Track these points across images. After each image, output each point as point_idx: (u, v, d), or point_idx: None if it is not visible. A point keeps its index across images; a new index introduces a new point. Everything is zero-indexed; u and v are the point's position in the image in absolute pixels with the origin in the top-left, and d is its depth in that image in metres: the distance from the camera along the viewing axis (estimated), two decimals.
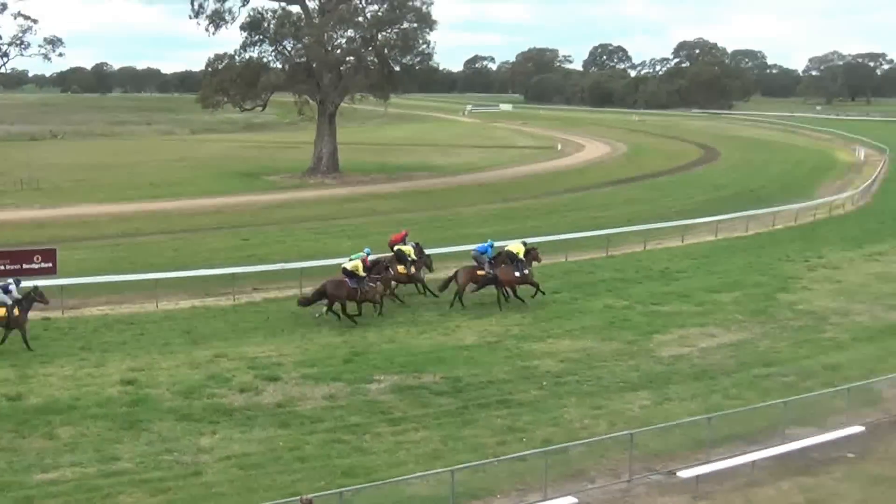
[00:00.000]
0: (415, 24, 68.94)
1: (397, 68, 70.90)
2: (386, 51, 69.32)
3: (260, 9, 70.20)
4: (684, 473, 17.73)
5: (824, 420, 20.61)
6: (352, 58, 70.92)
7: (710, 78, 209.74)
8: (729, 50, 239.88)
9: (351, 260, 29.38)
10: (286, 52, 70.51)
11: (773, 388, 22.94)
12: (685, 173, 77.90)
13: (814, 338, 27.67)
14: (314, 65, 69.32)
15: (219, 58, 70.45)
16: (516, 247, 31.51)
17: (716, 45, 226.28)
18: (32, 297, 26.21)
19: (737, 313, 30.24)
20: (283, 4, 70.17)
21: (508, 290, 31.07)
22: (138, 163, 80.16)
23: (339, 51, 70.16)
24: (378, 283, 29.42)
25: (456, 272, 31.02)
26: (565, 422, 20.66)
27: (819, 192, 63.39)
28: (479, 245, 32.58)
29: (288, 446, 18.98)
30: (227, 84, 69.48)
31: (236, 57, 70.11)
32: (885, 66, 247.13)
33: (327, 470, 17.88)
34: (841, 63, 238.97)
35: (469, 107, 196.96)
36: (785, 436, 19.41)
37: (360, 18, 69.64)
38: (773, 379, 23.79)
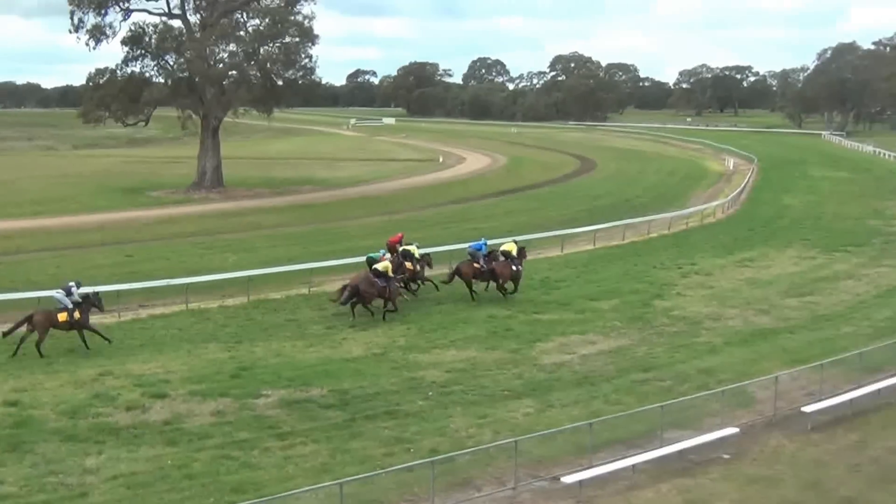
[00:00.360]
0: (297, 39, 68.43)
1: (280, 82, 70.20)
2: (268, 65, 68.59)
3: (141, 23, 68.58)
4: (568, 479, 17.95)
5: (700, 422, 21.17)
6: (234, 72, 69.94)
7: (586, 91, 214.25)
8: (603, 63, 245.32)
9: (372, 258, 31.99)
10: (168, 66, 69.07)
11: (652, 393, 23.50)
12: (563, 184, 79.28)
13: (689, 342, 28.46)
14: (197, 79, 68.09)
15: (100, 72, 68.54)
16: (510, 245, 34.59)
17: (590, 58, 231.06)
18: (91, 301, 27.13)
19: (615, 320, 30.90)
20: (164, 19, 68.81)
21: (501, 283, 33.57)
22: (19, 179, 77.49)
23: (221, 65, 69.11)
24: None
25: (457, 267, 33.89)
26: (451, 431, 20.73)
27: (691, 201, 65.33)
28: (474, 242, 35.05)
29: (176, 464, 18.56)
30: (108, 99, 67.70)
31: (118, 71, 68.34)
32: (751, 78, 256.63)
33: (216, 487, 17.55)
34: (710, 76, 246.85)
35: (352, 120, 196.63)
36: (663, 439, 19.87)
37: (242, 33, 68.81)
38: (651, 384, 24.37)
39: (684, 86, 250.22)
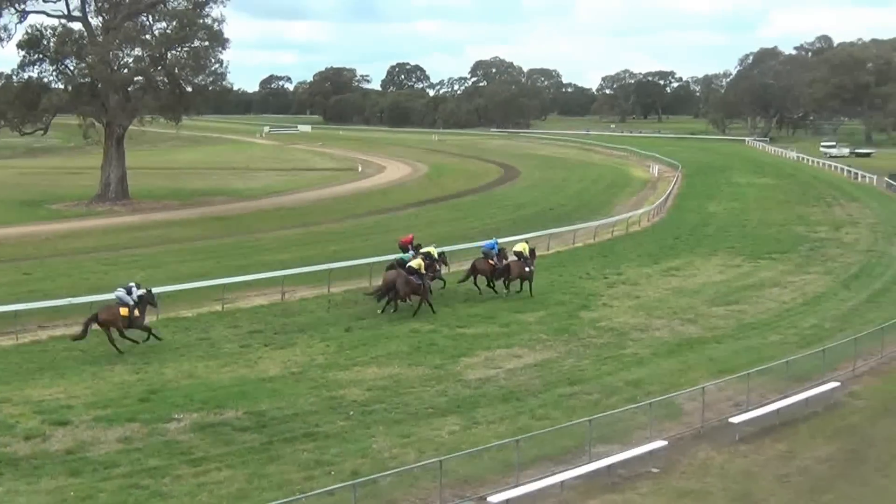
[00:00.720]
0: (206, 43, 67.63)
1: (189, 88, 69.33)
2: (176, 70, 67.64)
3: (38, 25, 67.06)
4: (494, 498, 17.95)
5: (629, 436, 21.41)
6: (140, 77, 68.91)
7: (508, 97, 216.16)
8: (525, 69, 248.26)
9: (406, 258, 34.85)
10: (69, 71, 67.71)
11: (579, 407, 23.69)
12: (486, 193, 79.75)
13: (616, 354, 28.78)
14: (99, 85, 66.89)
15: None
16: (522, 245, 37.94)
17: (512, 64, 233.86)
18: (147, 300, 29.29)
19: (541, 333, 31.10)
20: (63, 21, 67.41)
21: (500, 281, 36.94)
22: None
23: (126, 70, 67.99)
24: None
25: (473, 264, 37.13)
26: (374, 452, 20.60)
27: (616, 209, 66.21)
28: (487, 242, 38.37)
29: (80, 496, 18.08)
30: (3, 106, 66.10)
31: (14, 77, 66.85)
32: (674, 84, 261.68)
33: None
34: (633, 81, 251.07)
35: (266, 128, 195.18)
36: (592, 454, 20.03)
37: (148, 36, 67.78)
38: (579, 397, 24.56)
39: (607, 92, 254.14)
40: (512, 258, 37.69)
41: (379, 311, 33.45)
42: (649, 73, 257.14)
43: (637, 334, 31.21)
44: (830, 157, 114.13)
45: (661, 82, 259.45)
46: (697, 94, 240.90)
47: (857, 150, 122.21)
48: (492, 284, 37.20)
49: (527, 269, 37.05)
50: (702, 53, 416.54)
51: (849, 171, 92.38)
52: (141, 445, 20.76)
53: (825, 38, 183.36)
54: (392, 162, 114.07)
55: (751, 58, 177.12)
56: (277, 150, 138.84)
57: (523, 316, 33.42)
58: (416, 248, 37.26)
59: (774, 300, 36.67)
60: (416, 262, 33.68)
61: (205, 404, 23.39)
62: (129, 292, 28.71)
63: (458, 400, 24.23)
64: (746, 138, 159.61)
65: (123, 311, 28.35)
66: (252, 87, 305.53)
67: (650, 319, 33.25)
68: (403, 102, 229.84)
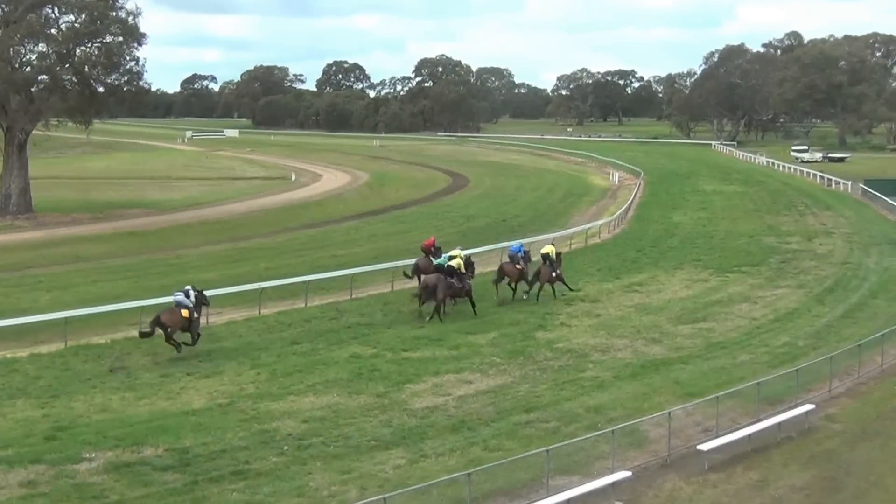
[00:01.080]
0: (120, 38, 66.81)
1: (101, 89, 68.34)
2: (86, 68, 66.64)
3: None
4: None
5: (590, 467, 21.51)
6: (45, 77, 67.76)
7: (456, 98, 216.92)
8: (474, 68, 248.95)
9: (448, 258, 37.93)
10: None
11: (536, 436, 23.75)
12: (433, 203, 79.94)
13: (575, 378, 28.92)
14: None
15: None
16: (549, 248, 41.36)
17: (460, 62, 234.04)
18: (200, 301, 32.15)
19: (494, 356, 31.16)
20: None
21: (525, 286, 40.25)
22: None
23: (28, 68, 66.88)
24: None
25: (501, 267, 40.56)
26: (311, 490, 20.46)
27: (574, 220, 66.68)
28: (513, 245, 42.47)
29: None
30: None
31: None
32: (635, 84, 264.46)
33: None
34: (590, 81, 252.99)
35: (189, 133, 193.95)
36: (550, 487, 20.07)
37: (54, 31, 66.82)
38: (535, 426, 24.63)
39: (563, 92, 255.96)
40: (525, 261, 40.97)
41: (427, 319, 36.16)
42: (608, 73, 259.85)
43: (598, 356, 31.39)
44: (802, 161, 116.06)
45: (621, 82, 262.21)
46: (660, 94, 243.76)
47: (830, 155, 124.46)
48: (514, 290, 40.46)
49: (553, 273, 40.67)
50: (664, 51, 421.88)
51: (822, 178, 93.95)
52: (47, 490, 20.36)
53: (795, 35, 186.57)
54: (329, 170, 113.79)
55: (716, 56, 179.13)
56: (201, 157, 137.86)
57: (474, 338, 33.46)
58: (438, 251, 40.85)
59: (744, 317, 37.12)
60: (456, 262, 37.40)
61: (120, 441, 23.05)
62: (188, 295, 31.54)
63: (403, 431, 24.17)
64: (713, 142, 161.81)
65: (184, 313, 31.21)
66: (172, 87, 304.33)
67: (611, 339, 33.47)
68: (341, 104, 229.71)
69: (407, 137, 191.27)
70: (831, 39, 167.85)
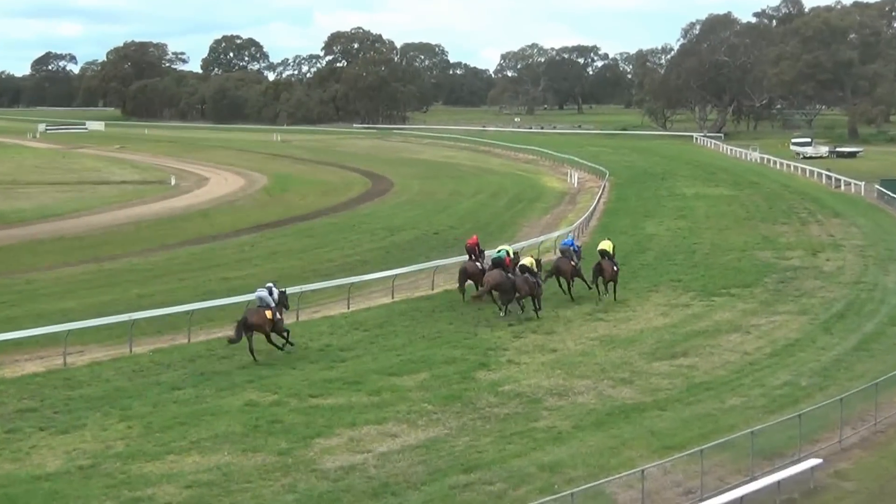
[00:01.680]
0: None
1: None
2: None
3: None
4: None
5: None
6: None
7: (376, 82, 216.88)
8: (398, 44, 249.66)
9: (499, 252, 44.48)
10: None
11: (477, 502, 23.75)
12: (348, 212, 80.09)
13: (526, 429, 28.94)
14: None
15: None
16: (607, 244, 47.02)
17: (380, 37, 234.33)
18: (283, 302, 36.86)
19: (424, 402, 31.12)
20: None
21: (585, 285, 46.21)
22: None
23: None
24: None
25: (556, 264, 46.31)
26: None
27: (523, 232, 67.08)
28: (565, 239, 49.98)
29: None
30: None
31: None
32: (598, 63, 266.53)
33: None
34: (542, 60, 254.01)
35: (42, 126, 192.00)
36: None
37: None
38: (476, 489, 24.63)
39: (510, 74, 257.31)
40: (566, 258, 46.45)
41: (501, 314, 42.55)
42: (564, 49, 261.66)
43: (553, 401, 31.47)
44: (804, 157, 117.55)
45: (581, 61, 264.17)
46: (629, 76, 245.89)
47: (838, 149, 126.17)
48: (569, 286, 46.10)
49: (614, 268, 45.94)
50: (633, 22, 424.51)
51: (828, 177, 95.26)
52: None
53: (794, 2, 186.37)
54: (218, 171, 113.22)
55: (697, 28, 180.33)
56: (57, 156, 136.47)
57: (400, 380, 33.40)
58: (482, 252, 47.47)
59: (734, 350, 37.46)
60: (528, 260, 43.61)
61: None
62: (270, 292, 35.83)
63: (312, 498, 24.07)
64: (694, 134, 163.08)
65: (268, 313, 35.46)
66: (21, 69, 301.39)
67: (571, 380, 33.58)
68: (232, 90, 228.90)
69: (315, 130, 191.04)
70: (838, 7, 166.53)
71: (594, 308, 44.30)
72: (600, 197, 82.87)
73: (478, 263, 46.73)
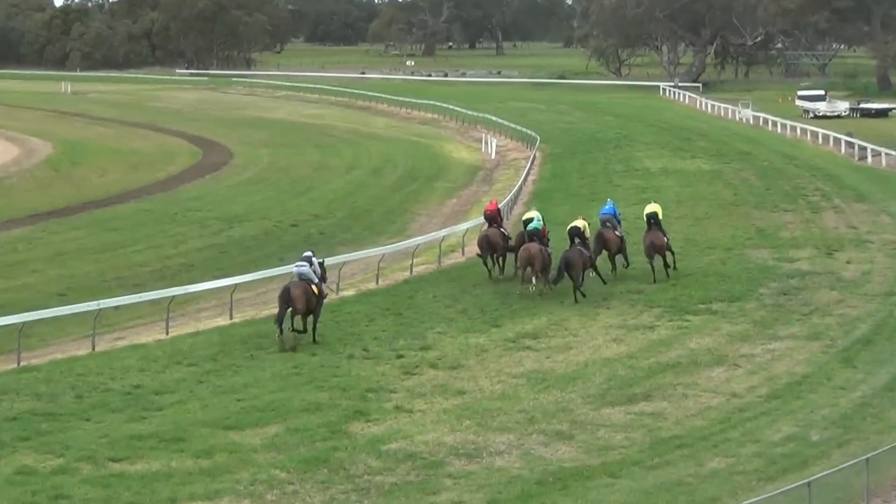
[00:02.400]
0: None
1: None
2: None
3: None
4: None
5: None
6: None
7: (209, 8, 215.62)
8: None
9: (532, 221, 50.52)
10: None
11: None
12: (168, 195, 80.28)
13: (423, 502, 28.95)
14: None
15: None
16: (655, 207, 53.44)
17: None
18: (323, 274, 42.96)
19: (276, 467, 30.94)
20: None
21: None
22: None
23: None
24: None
25: (600, 234, 51.83)
26: None
27: (418, 224, 67.42)
28: (605, 207, 54.54)
29: None
30: None
31: None
32: None
33: None
34: None
35: None
36: None
37: None
38: None
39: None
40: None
41: (533, 290, 49.27)
42: None
43: (461, 464, 31.47)
44: (816, 117, 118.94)
45: None
46: (569, 2, 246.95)
47: (863, 105, 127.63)
48: (615, 265, 52.68)
49: (665, 239, 52.30)
50: None
51: (850, 145, 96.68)
52: None
53: None
54: None
55: None
56: None
57: (240, 435, 33.14)
58: (502, 220, 55.38)
59: (718, 391, 37.62)
60: (582, 223, 50.44)
61: None
62: (310, 263, 41.71)
63: None
64: (662, 84, 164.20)
65: (314, 287, 41.32)
66: None
67: (485, 435, 33.56)
68: (2, 20, 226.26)
69: (122, 78, 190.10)
70: None
71: (520, 332, 44.28)
72: (528, 173, 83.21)
73: (503, 230, 53.78)
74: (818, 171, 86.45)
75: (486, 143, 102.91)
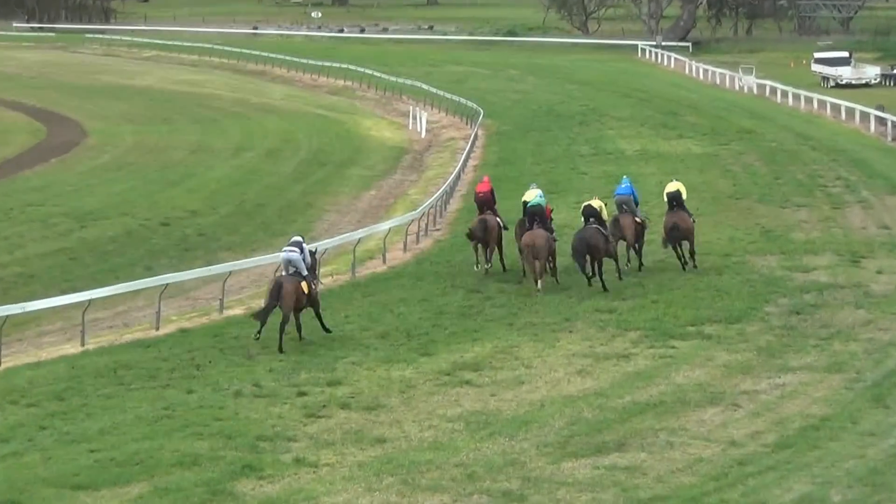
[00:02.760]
0: None
1: None
2: None
3: None
4: None
5: None
6: None
7: None
8: None
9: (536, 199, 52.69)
10: None
11: None
12: (0, 184, 79.58)
13: None
14: None
15: None
16: (677, 185, 57.23)
17: None
18: (314, 267, 45.67)
19: None
20: None
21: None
22: None
23: None
24: None
25: (616, 221, 54.83)
26: None
27: (327, 222, 67.47)
28: (621, 186, 57.30)
29: None
30: None
31: None
32: None
33: None
34: None
35: None
36: None
37: None
38: None
39: None
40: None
41: (539, 289, 51.75)
42: None
43: None
44: (838, 85, 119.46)
45: None
46: None
47: None
48: (637, 251, 56.38)
49: (692, 221, 56.17)
50: None
51: (881, 121, 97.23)
52: None
53: None
54: None
55: None
56: None
57: (93, 497, 33.00)
58: (496, 203, 56.55)
59: (712, 439, 37.61)
60: (598, 203, 53.22)
61: None
62: (301, 250, 44.56)
63: None
64: (640, 44, 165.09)
65: (304, 285, 44.13)
66: None
67: (412, 496, 33.41)
68: None
69: None
70: None
71: (457, 361, 44.22)
72: (468, 157, 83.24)
73: (499, 219, 55.58)
74: (840, 154, 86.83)
75: (415, 118, 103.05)
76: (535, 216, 50.48)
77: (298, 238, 45.79)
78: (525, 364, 44.30)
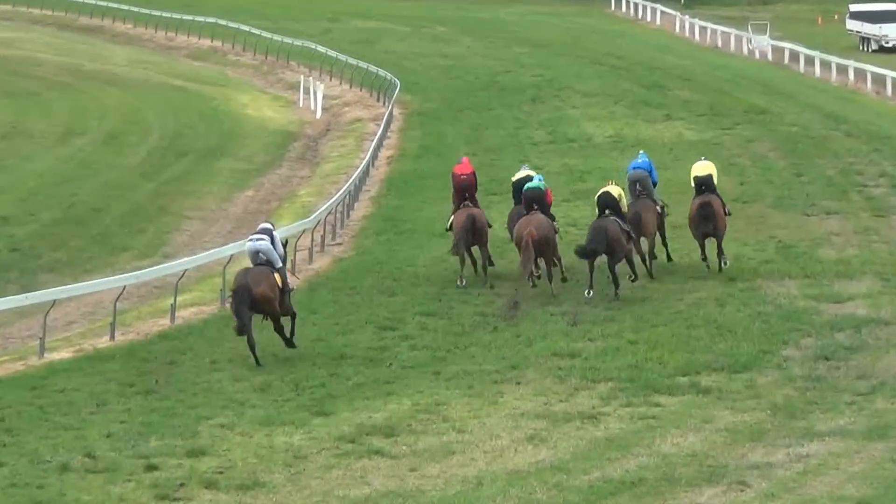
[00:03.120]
0: None
1: None
2: None
3: None
4: None
5: None
6: None
7: None
8: None
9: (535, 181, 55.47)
10: None
11: None
12: None
13: None
14: None
15: None
16: (708, 166, 61.35)
17: None
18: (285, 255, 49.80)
19: None
20: None
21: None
22: None
23: None
24: None
25: (636, 213, 57.17)
26: None
27: (188, 233, 67.49)
28: (637, 160, 60.83)
29: None
30: None
31: None
32: None
33: None
34: None
35: None
36: None
37: None
38: None
39: None
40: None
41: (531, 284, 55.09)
42: None
43: None
44: (881, 48, 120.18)
45: None
46: None
47: None
48: (666, 245, 60.81)
49: (727, 212, 60.32)
50: None
51: None
52: None
53: None
54: None
55: None
56: None
57: None
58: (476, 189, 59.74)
59: None
60: (617, 191, 56.06)
61: None
62: (272, 238, 48.35)
63: None
64: None
65: (277, 277, 47.83)
66: None
67: None
68: None
69: None
70: None
71: (364, 423, 44.18)
72: (379, 145, 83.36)
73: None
74: (885, 143, 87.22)
75: (307, 92, 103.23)
76: (534, 202, 51.37)
77: (268, 225, 48.90)
78: (456, 427, 44.24)
